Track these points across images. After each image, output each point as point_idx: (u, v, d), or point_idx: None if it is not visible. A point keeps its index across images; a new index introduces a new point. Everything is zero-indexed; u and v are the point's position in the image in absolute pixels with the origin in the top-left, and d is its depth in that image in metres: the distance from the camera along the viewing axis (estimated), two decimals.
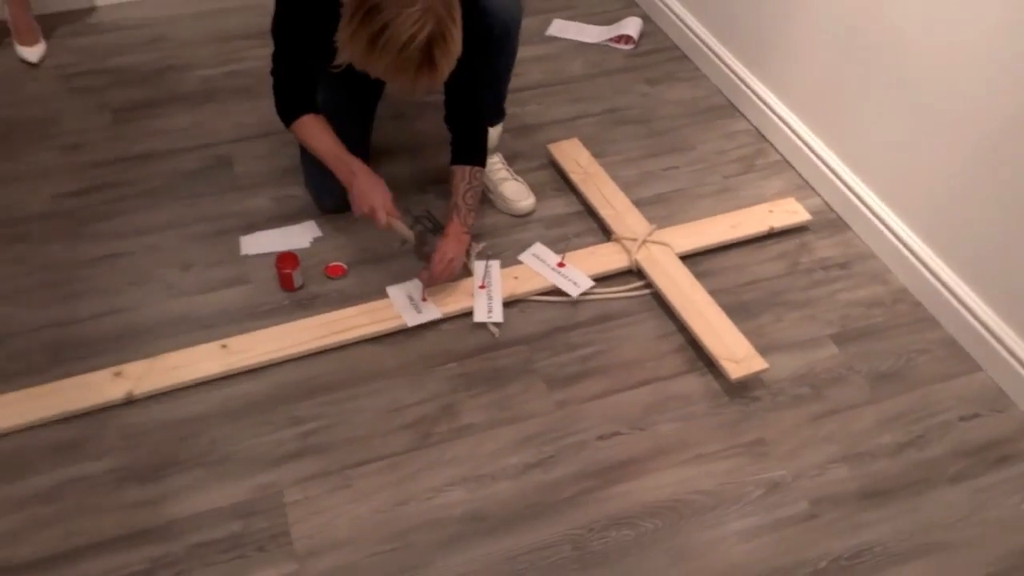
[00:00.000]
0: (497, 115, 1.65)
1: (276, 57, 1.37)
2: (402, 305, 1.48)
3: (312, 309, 1.49)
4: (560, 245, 1.62)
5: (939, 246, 1.52)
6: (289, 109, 1.41)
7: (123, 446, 1.26)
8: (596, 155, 1.81)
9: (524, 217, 1.69)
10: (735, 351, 1.43)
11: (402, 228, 1.46)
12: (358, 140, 1.54)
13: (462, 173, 1.46)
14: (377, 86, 1.55)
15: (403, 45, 1.11)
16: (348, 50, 1.15)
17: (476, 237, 1.60)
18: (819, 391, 1.43)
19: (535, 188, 1.73)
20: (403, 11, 1.10)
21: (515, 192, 1.66)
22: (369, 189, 1.40)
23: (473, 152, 1.46)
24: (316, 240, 1.61)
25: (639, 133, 1.88)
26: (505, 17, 1.43)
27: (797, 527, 1.24)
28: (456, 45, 1.15)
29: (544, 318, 1.52)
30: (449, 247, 1.47)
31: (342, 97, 1.50)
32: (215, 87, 1.90)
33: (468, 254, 1.54)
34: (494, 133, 1.66)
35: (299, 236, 1.61)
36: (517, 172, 1.74)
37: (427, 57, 1.13)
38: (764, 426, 1.37)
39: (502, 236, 1.65)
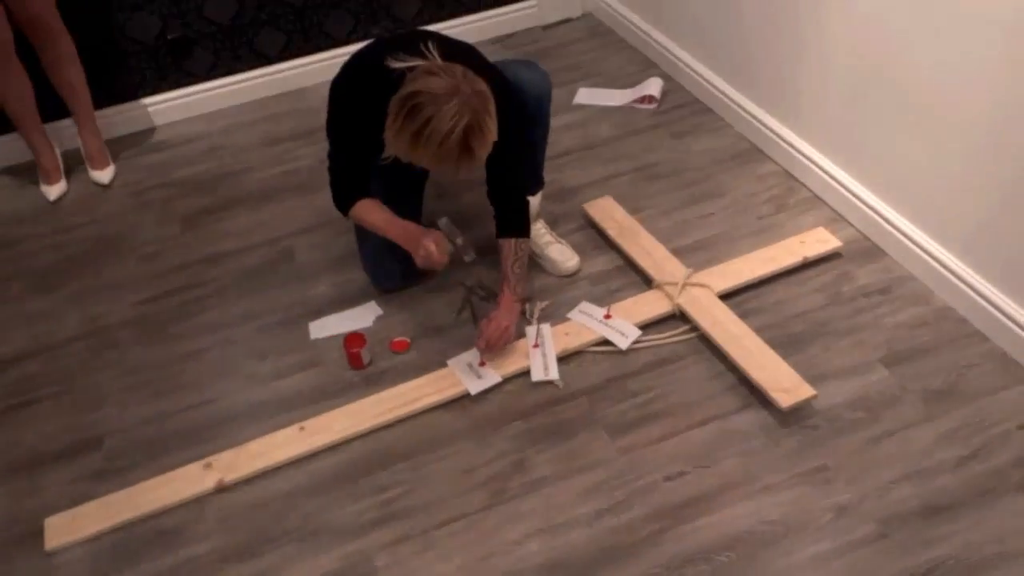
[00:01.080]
0: (536, 184, 1.72)
1: (332, 152, 1.47)
2: (463, 373, 1.55)
3: (381, 384, 1.56)
4: (606, 299, 1.68)
5: (976, 262, 1.53)
6: (345, 197, 1.50)
7: (221, 529, 1.34)
8: (632, 211, 1.88)
9: (570, 277, 1.75)
10: (782, 381, 1.47)
11: (460, 246, 1.56)
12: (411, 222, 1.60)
13: (509, 246, 1.54)
14: (423, 172, 1.66)
15: (443, 138, 1.22)
16: (394, 145, 1.26)
17: (531, 299, 1.68)
18: (875, 413, 1.46)
19: (577, 248, 1.79)
20: (442, 108, 1.21)
21: (560, 254, 1.73)
22: (421, 234, 1.49)
23: (517, 224, 1.54)
24: (379, 319, 1.70)
25: (671, 185, 1.94)
26: (538, 92, 1.52)
27: (868, 548, 1.27)
28: (491, 133, 1.25)
29: (599, 370, 1.56)
30: (503, 317, 1.54)
31: (392, 185, 1.60)
32: (271, 187, 2.02)
33: (530, 312, 1.62)
34: (535, 201, 1.72)
35: (363, 317, 1.70)
36: (559, 235, 1.81)
37: (465, 147, 1.23)
38: (825, 453, 1.40)
39: (551, 297, 1.72)
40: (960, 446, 1.39)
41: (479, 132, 1.23)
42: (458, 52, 1.35)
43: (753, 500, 1.33)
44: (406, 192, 1.65)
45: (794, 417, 1.45)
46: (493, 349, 1.54)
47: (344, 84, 1.42)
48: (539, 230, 1.74)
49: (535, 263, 1.75)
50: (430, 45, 1.29)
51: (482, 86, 1.25)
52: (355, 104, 1.39)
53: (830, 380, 1.51)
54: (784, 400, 1.44)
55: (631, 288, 1.73)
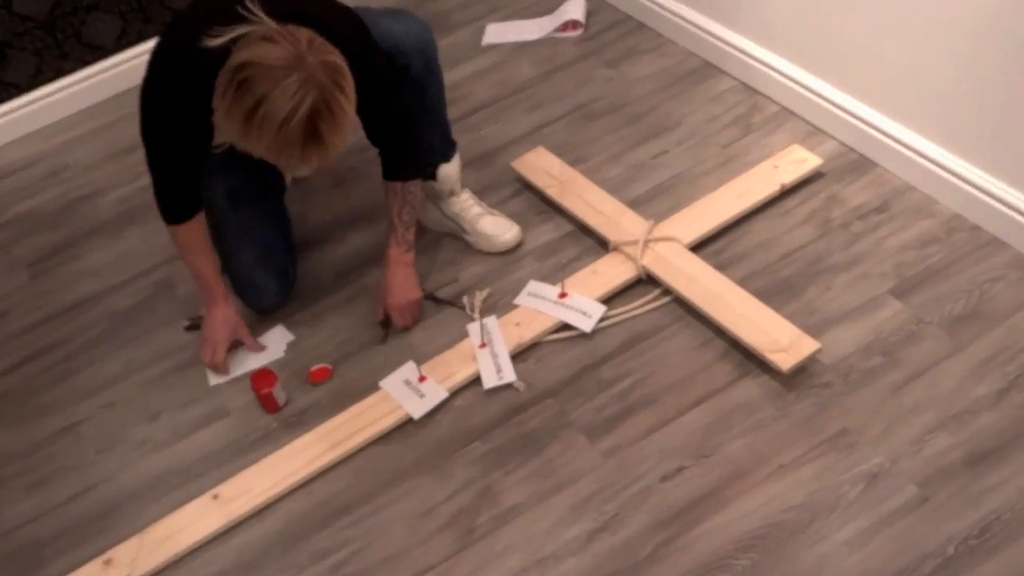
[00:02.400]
0: (447, 148, 1.68)
1: (149, 159, 1.39)
2: (401, 395, 1.53)
3: (304, 425, 1.52)
4: (558, 275, 1.68)
5: (984, 160, 1.51)
6: (170, 212, 1.45)
7: None
8: (573, 161, 1.86)
9: (513, 253, 1.74)
10: (779, 339, 1.46)
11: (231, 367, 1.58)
12: (270, 228, 1.61)
13: (395, 190, 1.51)
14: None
15: (282, 122, 1.12)
16: (225, 128, 1.17)
17: (468, 292, 1.68)
18: (893, 356, 1.46)
19: (516, 218, 1.78)
20: (279, 83, 1.11)
21: (495, 226, 1.72)
22: (213, 325, 1.52)
23: (404, 164, 1.49)
24: (290, 345, 1.67)
25: (614, 124, 1.92)
26: (420, 46, 1.47)
27: (911, 517, 1.26)
28: (346, 116, 1.16)
29: (564, 361, 1.55)
30: (395, 278, 1.56)
31: (239, 184, 1.55)
32: (131, 207, 1.94)
33: (470, 306, 1.64)
34: (453, 167, 1.69)
35: (271, 346, 1.67)
36: (492, 206, 1.79)
37: (311, 133, 1.14)
38: (843, 413, 1.40)
39: (492, 283, 1.70)
40: (996, 378, 1.38)
41: (328, 113, 1.14)
42: (297, 8, 1.22)
43: (768, 486, 1.32)
44: (258, 194, 1.59)
45: (800, 378, 1.44)
46: (405, 321, 1.59)
47: (152, 82, 1.30)
48: (465, 202, 1.72)
49: (465, 244, 1.76)
50: (249, 3, 1.16)
51: (333, 56, 1.15)
52: (170, 103, 1.29)
53: (835, 326, 1.50)
54: (785, 361, 1.44)
55: (586, 256, 1.72)
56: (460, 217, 1.73)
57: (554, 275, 1.70)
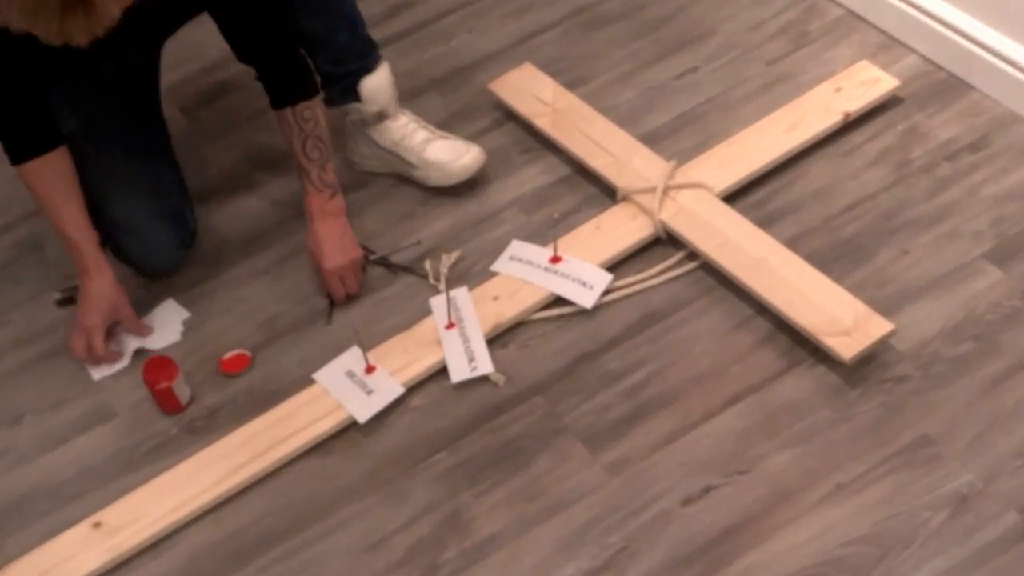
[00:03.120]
0: (365, 51, 1.67)
1: None
2: (342, 391, 1.52)
3: (214, 431, 1.51)
4: (549, 234, 1.66)
5: None
6: (11, 145, 1.46)
7: None
8: (571, 83, 1.85)
9: (489, 201, 1.75)
10: (841, 318, 1.45)
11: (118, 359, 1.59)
12: (151, 162, 1.62)
13: (289, 119, 1.53)
14: (153, 87, 1.65)
15: None
16: None
17: (434, 254, 1.69)
18: (990, 341, 1.44)
19: (495, 158, 1.78)
20: None
21: (447, 151, 1.71)
22: (86, 303, 1.52)
23: (292, 81, 1.52)
24: (188, 325, 1.65)
25: (627, 33, 1.92)
26: None
27: (1010, 552, 1.25)
28: None
29: (557, 347, 1.55)
30: (322, 233, 1.58)
31: (94, 113, 1.56)
32: None
33: (433, 273, 1.66)
34: (379, 82, 1.68)
35: (163, 327, 1.64)
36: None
37: None
38: (923, 416, 1.39)
39: (462, 243, 1.70)
40: None
41: None
42: None
43: (824, 512, 1.31)
44: (128, 121, 1.61)
45: (868, 369, 1.44)
46: (347, 288, 1.62)
47: None
48: (405, 127, 1.72)
49: (413, 185, 1.77)
50: None
51: None
52: None
53: (914, 302, 1.49)
54: (847, 347, 1.42)
55: (586, 208, 1.72)
56: (401, 147, 1.72)
57: (544, 233, 1.70)
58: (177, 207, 1.65)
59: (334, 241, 1.60)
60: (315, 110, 1.54)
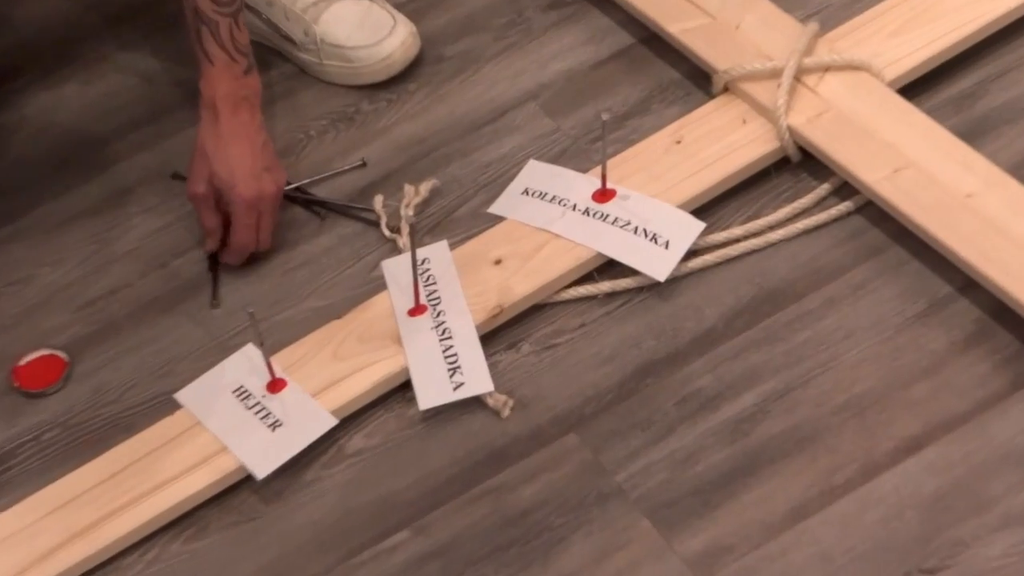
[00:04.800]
0: None
1: None
2: (229, 423, 1.52)
3: (6, 490, 1.52)
4: (592, 149, 1.69)
5: None
6: None
7: None
8: None
9: (470, 74, 1.84)
10: None
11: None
12: None
13: None
14: None
15: None
16: None
17: (390, 185, 1.75)
18: None
19: (497, 10, 1.87)
20: None
21: (355, 24, 1.80)
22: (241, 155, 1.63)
23: None
24: None
25: None
26: None
27: None
28: None
29: (606, 350, 1.57)
30: (230, 136, 1.64)
31: None
32: None
33: (402, 220, 1.70)
34: None
35: None
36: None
37: None
38: None
39: (440, 166, 1.77)
40: None
41: None
42: None
43: None
44: None
45: None
46: (264, 246, 1.68)
47: None
48: None
49: (304, 80, 1.88)
50: None
51: None
52: None
53: None
54: None
55: (658, 104, 1.79)
56: (275, 7, 1.80)
57: (585, 150, 1.73)
58: None
59: (251, 153, 1.64)
60: None
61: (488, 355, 1.57)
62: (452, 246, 1.66)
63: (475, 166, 1.78)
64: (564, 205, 1.67)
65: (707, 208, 1.67)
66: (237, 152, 1.65)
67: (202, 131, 1.66)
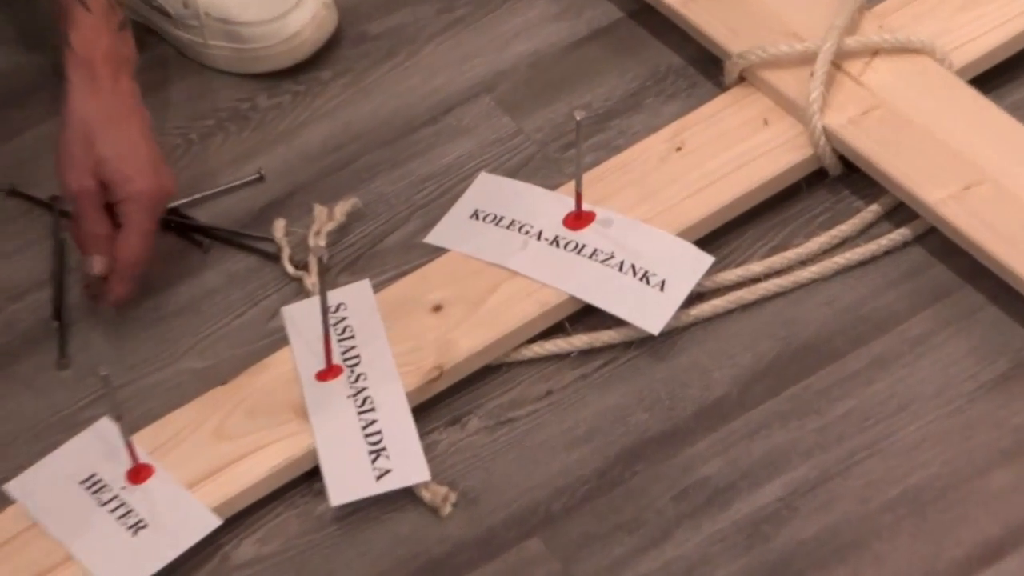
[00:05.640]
0: None
1: None
2: (76, 524, 1.51)
3: None
4: (563, 158, 1.73)
5: None
6: None
7: None
8: None
9: (400, 57, 1.89)
10: None
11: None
12: None
13: None
14: None
15: None
16: None
17: (296, 209, 1.78)
18: None
19: None
20: None
21: None
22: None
23: None
24: None
25: None
26: None
27: None
28: None
29: (581, 426, 1.57)
30: (115, 113, 1.68)
31: None
32: None
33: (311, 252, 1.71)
34: None
35: None
36: None
37: None
38: None
39: (362, 182, 1.80)
40: None
41: None
42: None
43: None
44: None
45: None
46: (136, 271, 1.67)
47: None
48: None
49: (192, 67, 1.91)
50: None
51: None
52: None
53: None
54: None
55: (653, 98, 1.83)
56: None
57: (553, 159, 1.77)
58: None
59: (144, 135, 1.67)
60: None
61: (423, 433, 1.56)
62: (377, 287, 1.66)
63: (409, 181, 1.79)
64: (526, 233, 1.66)
65: (717, 237, 1.67)
66: (129, 133, 1.67)
67: (77, 102, 1.66)
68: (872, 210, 1.68)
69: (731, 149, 1.71)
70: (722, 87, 1.77)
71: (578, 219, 1.66)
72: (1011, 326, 1.62)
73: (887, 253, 1.66)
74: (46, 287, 1.76)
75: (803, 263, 1.65)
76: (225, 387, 1.61)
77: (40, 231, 1.85)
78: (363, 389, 1.59)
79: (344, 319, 1.63)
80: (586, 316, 1.64)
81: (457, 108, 1.89)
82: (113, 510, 1.54)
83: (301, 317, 1.64)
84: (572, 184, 1.65)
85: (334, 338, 1.60)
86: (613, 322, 1.62)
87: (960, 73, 1.71)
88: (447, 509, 1.54)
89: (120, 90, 1.69)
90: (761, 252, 1.69)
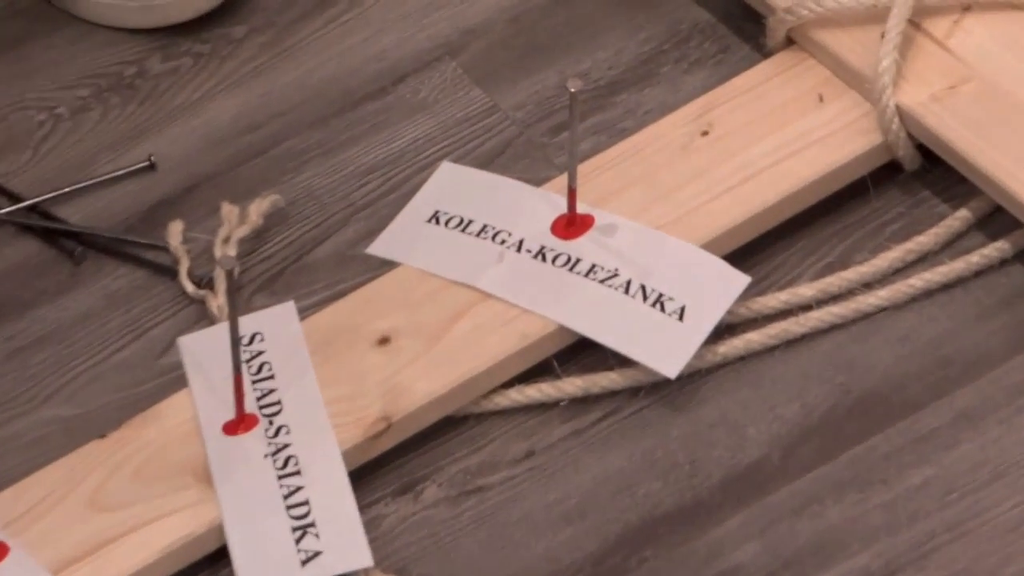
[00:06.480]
0: None
1: None
2: None
3: None
4: (552, 144, 1.78)
5: None
6: None
7: None
8: None
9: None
10: None
11: None
12: None
13: None
14: None
15: None
16: None
17: (195, 212, 1.79)
18: None
19: None
20: None
21: None
22: None
23: None
24: None
25: None
26: None
27: None
28: None
29: (573, 499, 1.57)
30: None
31: None
32: None
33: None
34: None
35: None
36: None
37: None
38: None
39: (286, 175, 1.83)
40: None
41: None
42: None
43: None
44: None
45: None
46: None
47: None
48: None
49: (62, 19, 1.96)
50: None
51: None
52: None
53: None
54: None
55: (671, 67, 1.87)
56: None
57: (540, 145, 1.80)
58: None
59: None
60: None
61: (365, 505, 1.55)
62: (304, 312, 1.65)
63: (348, 171, 1.80)
64: (502, 242, 1.66)
65: (754, 251, 1.68)
66: None
67: None
68: (960, 216, 1.67)
69: (774, 134, 1.70)
70: (763, 52, 1.78)
71: (571, 225, 1.65)
72: None
73: (979, 274, 1.65)
74: None
75: (868, 286, 1.64)
76: (103, 441, 1.58)
77: None
78: (285, 446, 1.57)
79: (261, 353, 1.62)
80: (580, 353, 1.63)
81: (412, 76, 1.89)
82: None
83: (203, 351, 1.62)
84: (564, 178, 1.65)
85: (247, 379, 1.58)
86: (616, 361, 1.60)
87: None
88: None
89: None
90: (813, 271, 1.68)
